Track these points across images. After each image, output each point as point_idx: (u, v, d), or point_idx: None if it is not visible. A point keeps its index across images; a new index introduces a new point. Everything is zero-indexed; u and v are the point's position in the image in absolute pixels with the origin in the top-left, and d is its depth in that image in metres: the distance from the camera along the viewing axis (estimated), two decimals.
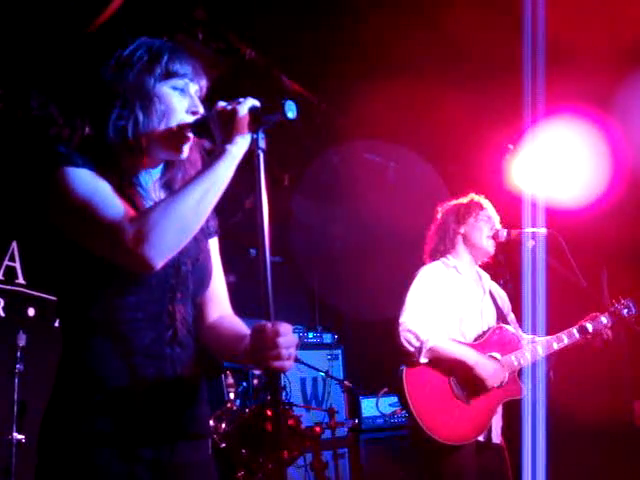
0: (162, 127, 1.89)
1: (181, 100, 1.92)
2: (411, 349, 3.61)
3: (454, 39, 4.50)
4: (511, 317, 4.02)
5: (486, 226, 3.93)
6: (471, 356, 3.62)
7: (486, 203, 4.03)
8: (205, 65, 2.03)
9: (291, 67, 4.98)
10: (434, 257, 3.98)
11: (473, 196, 4.06)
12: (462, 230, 3.94)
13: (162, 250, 1.72)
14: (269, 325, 1.69)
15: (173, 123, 1.90)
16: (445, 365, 3.62)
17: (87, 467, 1.76)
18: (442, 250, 3.97)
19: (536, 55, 4.47)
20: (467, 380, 3.60)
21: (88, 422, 1.77)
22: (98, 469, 1.76)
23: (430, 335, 3.61)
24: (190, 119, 1.91)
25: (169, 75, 1.91)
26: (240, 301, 2.30)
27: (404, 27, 4.53)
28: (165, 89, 1.91)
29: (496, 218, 4.01)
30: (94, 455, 1.76)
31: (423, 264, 3.95)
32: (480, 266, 4.04)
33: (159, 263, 1.73)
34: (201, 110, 1.95)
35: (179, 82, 1.93)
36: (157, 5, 4.07)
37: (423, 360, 3.61)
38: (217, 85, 2.07)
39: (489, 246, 3.92)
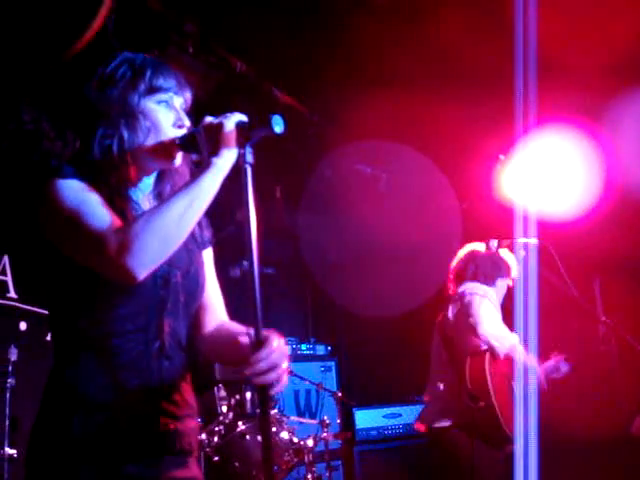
0: (148, 142, 1.89)
1: (167, 114, 1.93)
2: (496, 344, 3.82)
3: (445, 49, 4.52)
4: None
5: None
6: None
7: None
8: (195, 79, 2.03)
9: (282, 79, 4.99)
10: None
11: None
12: (497, 284, 4.14)
13: (144, 261, 1.71)
14: (246, 341, 1.70)
15: (159, 138, 1.90)
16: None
17: None
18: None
19: (528, 66, 4.49)
20: None
21: (71, 438, 1.77)
22: None
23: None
24: (176, 133, 1.92)
25: (153, 90, 1.92)
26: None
27: (396, 38, 4.55)
28: (150, 105, 1.91)
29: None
30: (78, 471, 1.75)
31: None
32: None
33: (142, 274, 1.72)
34: (187, 123, 1.96)
35: (163, 96, 1.93)
36: (148, 19, 4.09)
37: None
38: (208, 99, 2.07)
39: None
